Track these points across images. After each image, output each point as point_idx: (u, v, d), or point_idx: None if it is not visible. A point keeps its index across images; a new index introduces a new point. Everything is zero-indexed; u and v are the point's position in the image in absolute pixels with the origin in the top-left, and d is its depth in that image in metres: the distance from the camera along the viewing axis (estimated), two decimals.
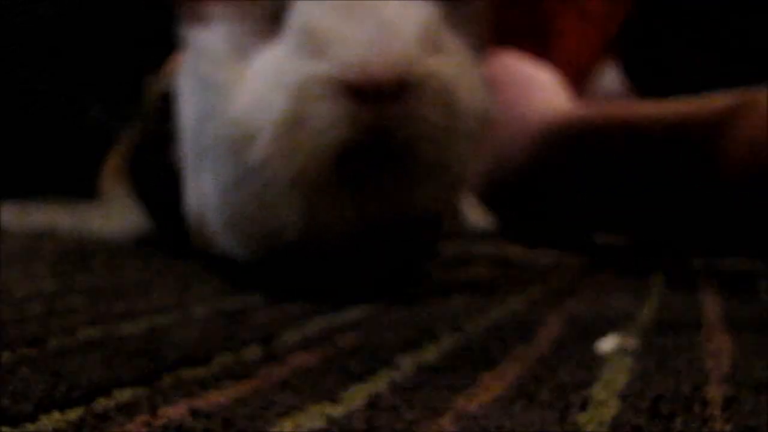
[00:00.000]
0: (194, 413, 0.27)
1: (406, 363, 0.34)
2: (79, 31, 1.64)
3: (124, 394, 0.29)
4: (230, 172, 0.48)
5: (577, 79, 0.94)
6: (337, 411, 0.28)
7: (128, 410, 0.27)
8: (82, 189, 0.88)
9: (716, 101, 0.74)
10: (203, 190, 0.53)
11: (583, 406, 0.29)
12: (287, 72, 0.45)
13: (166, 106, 0.61)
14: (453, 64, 0.47)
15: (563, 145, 0.78)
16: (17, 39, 1.63)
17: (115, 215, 1.06)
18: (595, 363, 0.35)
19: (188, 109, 0.56)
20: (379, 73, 0.44)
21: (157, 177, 0.65)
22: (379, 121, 0.44)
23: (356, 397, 0.30)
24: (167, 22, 0.56)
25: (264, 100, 0.46)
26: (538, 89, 0.86)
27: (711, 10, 0.83)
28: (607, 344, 0.38)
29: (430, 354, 0.36)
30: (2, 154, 1.56)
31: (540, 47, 0.87)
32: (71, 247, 0.76)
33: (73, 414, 0.27)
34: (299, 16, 0.46)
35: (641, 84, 0.92)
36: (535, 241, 0.82)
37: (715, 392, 0.31)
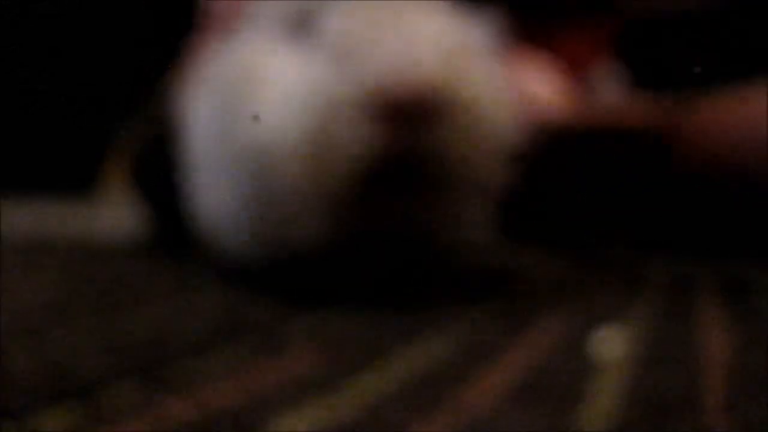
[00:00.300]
0: (197, 407, 0.27)
1: (406, 359, 0.34)
2: (81, 30, 1.64)
3: (126, 389, 0.29)
4: (252, 185, 0.47)
5: (577, 78, 0.94)
6: (336, 411, 0.28)
7: (130, 405, 0.27)
8: (84, 188, 0.89)
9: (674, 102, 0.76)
10: (219, 198, 0.52)
11: (581, 407, 0.29)
12: (317, 88, 0.45)
13: (173, 109, 0.61)
14: (482, 85, 0.47)
15: (554, 145, 0.79)
16: (18, 38, 1.63)
17: (116, 215, 1.06)
18: (594, 364, 0.35)
19: (206, 116, 0.55)
20: (411, 96, 0.43)
21: (161, 178, 0.65)
22: (407, 143, 0.44)
23: (356, 397, 0.30)
24: (170, 22, 0.56)
25: (292, 119, 0.45)
26: (527, 83, 0.86)
27: (711, 10, 0.84)
28: (607, 345, 0.38)
29: (428, 354, 0.36)
30: (7, 153, 1.57)
31: (538, 47, 0.87)
32: (72, 246, 0.76)
33: (75, 408, 0.27)
34: (330, 30, 0.46)
35: (642, 84, 0.92)
36: (533, 242, 0.82)
37: (716, 393, 0.31)
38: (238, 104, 0.48)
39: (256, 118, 0.46)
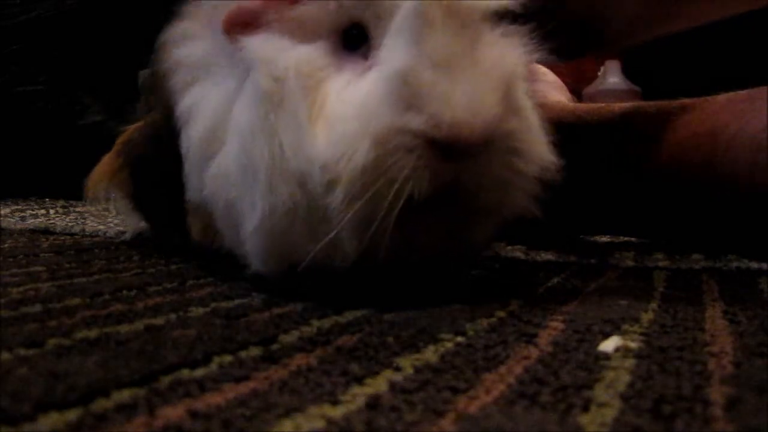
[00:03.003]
0: (193, 414, 0.27)
1: (407, 364, 0.34)
2: (78, 31, 1.64)
3: (123, 395, 0.29)
4: (289, 200, 0.47)
5: (580, 76, 0.95)
6: (336, 412, 0.28)
7: (127, 411, 0.27)
8: (81, 189, 0.88)
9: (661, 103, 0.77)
10: (242, 202, 0.51)
11: (585, 407, 0.29)
12: (375, 119, 0.45)
13: (172, 105, 0.60)
14: (527, 125, 0.48)
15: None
16: (15, 39, 1.62)
17: (113, 215, 1.06)
18: (596, 364, 0.35)
19: (212, 103, 0.54)
20: (469, 134, 0.44)
21: (156, 176, 0.65)
22: (456, 177, 0.45)
23: (356, 398, 0.29)
24: (166, 22, 0.55)
25: (348, 144, 0.45)
26: (541, 84, 0.87)
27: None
28: (608, 345, 0.38)
29: (431, 355, 0.36)
30: (1, 155, 1.56)
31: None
32: (69, 248, 0.76)
33: (72, 414, 0.26)
34: (391, 59, 0.45)
35: (643, 84, 0.92)
36: (536, 242, 0.82)
37: (717, 393, 0.31)
38: (286, 111, 0.47)
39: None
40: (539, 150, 0.49)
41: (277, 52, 0.49)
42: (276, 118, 0.48)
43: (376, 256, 0.46)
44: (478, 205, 0.48)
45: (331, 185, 0.45)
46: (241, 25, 0.50)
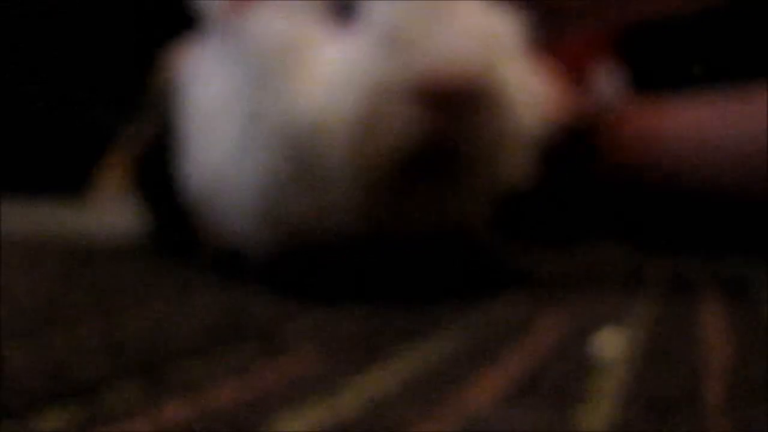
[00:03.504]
0: (195, 409, 0.27)
1: (407, 359, 0.34)
2: (79, 29, 1.64)
3: (126, 391, 0.29)
4: (284, 166, 0.47)
5: (577, 78, 0.95)
6: (336, 408, 0.28)
7: (130, 406, 0.27)
8: (83, 187, 0.89)
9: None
10: (239, 178, 0.51)
11: (581, 405, 0.29)
12: (364, 71, 0.45)
13: (173, 102, 0.61)
14: (515, 79, 0.48)
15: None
16: (16, 36, 1.63)
17: (115, 214, 1.06)
18: (593, 363, 0.35)
19: (229, 89, 0.54)
20: (458, 82, 0.44)
21: (161, 176, 0.65)
22: (449, 130, 0.45)
23: (357, 392, 0.30)
24: (170, 19, 0.55)
25: (337, 98, 0.45)
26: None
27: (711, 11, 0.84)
28: (605, 342, 0.38)
29: (429, 353, 0.36)
30: (6, 153, 1.56)
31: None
32: (71, 246, 0.76)
33: (75, 410, 0.27)
34: (380, 13, 0.46)
35: (642, 84, 0.92)
36: (533, 240, 0.82)
37: (715, 392, 0.31)
38: (276, 79, 0.47)
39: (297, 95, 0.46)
40: (526, 115, 0.48)
41: (264, 24, 0.49)
42: (265, 87, 0.48)
43: (375, 226, 0.47)
44: (475, 169, 0.47)
45: (321, 143, 0.45)
46: (235, 7, 0.51)
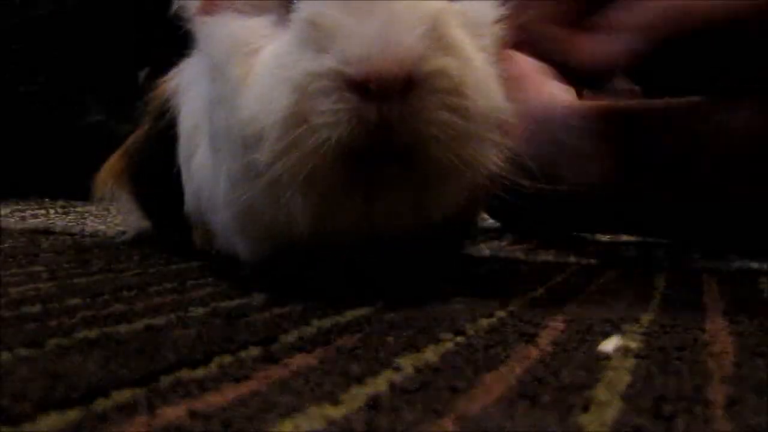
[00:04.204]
0: (193, 414, 0.27)
1: (407, 364, 0.34)
2: (77, 31, 1.64)
3: (123, 395, 0.29)
4: (239, 168, 0.47)
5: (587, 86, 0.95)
6: (337, 412, 0.28)
7: (127, 411, 0.27)
8: (81, 189, 0.88)
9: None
10: (210, 186, 0.52)
11: (585, 408, 0.29)
12: (290, 66, 0.44)
13: (169, 107, 0.61)
14: (464, 63, 0.45)
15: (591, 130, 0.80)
16: (15, 39, 1.62)
17: (113, 215, 1.06)
18: (596, 364, 0.35)
19: (195, 103, 0.55)
20: (384, 69, 0.42)
21: (158, 176, 0.65)
22: (384, 119, 0.43)
23: (356, 398, 0.29)
24: (165, 23, 0.55)
25: (268, 96, 0.44)
26: (545, 84, 0.87)
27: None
28: (609, 345, 0.38)
29: (431, 355, 0.36)
30: (1, 155, 1.56)
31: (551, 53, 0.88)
32: (69, 248, 0.76)
33: (72, 414, 0.26)
34: (304, 8, 0.45)
35: (647, 85, 0.93)
36: (539, 241, 0.82)
37: (717, 393, 0.31)
38: (226, 82, 0.47)
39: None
40: (484, 90, 0.46)
41: (223, 26, 0.49)
42: (221, 88, 0.48)
43: (338, 226, 0.46)
44: (425, 162, 0.45)
45: (258, 141, 0.44)
46: (205, 11, 0.51)
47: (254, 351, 0.36)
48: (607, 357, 0.36)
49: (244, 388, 0.30)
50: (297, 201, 0.45)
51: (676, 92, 0.79)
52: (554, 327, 0.42)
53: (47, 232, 0.92)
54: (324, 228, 0.47)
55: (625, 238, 0.91)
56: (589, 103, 0.85)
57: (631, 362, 0.35)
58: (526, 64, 0.89)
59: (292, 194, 0.45)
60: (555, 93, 0.86)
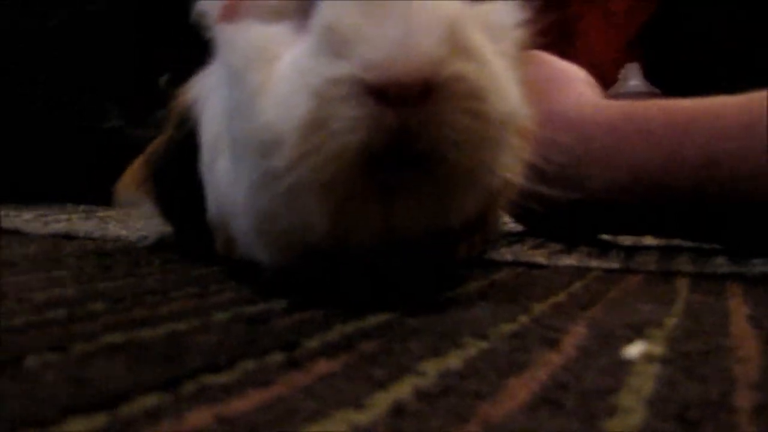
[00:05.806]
0: (219, 420, 0.27)
1: (430, 369, 0.34)
2: (97, 37, 1.65)
3: (149, 400, 0.29)
4: (257, 175, 0.47)
5: (600, 79, 0.94)
6: (361, 418, 0.28)
7: (153, 416, 0.27)
8: (102, 195, 0.89)
9: None
10: (231, 193, 0.52)
11: (610, 413, 0.29)
12: (309, 72, 0.44)
13: (191, 115, 0.61)
14: (483, 67, 0.45)
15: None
16: (35, 45, 1.64)
17: (134, 220, 1.06)
18: (621, 369, 0.35)
19: (216, 111, 0.55)
20: (403, 75, 0.42)
21: (180, 183, 0.65)
22: (403, 125, 0.43)
23: (380, 403, 0.29)
24: (185, 29, 0.55)
25: (287, 102, 0.44)
26: (574, 84, 0.87)
27: (731, 12, 0.84)
28: (633, 350, 0.38)
29: (454, 360, 0.36)
30: (23, 160, 1.58)
31: (564, 48, 0.88)
32: (92, 252, 0.76)
33: (99, 420, 0.27)
34: (323, 14, 0.45)
35: (663, 84, 0.92)
36: (561, 245, 0.82)
37: (743, 399, 0.30)
38: (244, 82, 0.47)
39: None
40: (503, 94, 0.46)
41: (242, 33, 0.49)
42: (240, 95, 0.48)
43: (357, 232, 0.46)
44: (445, 167, 0.45)
45: (277, 147, 0.44)
46: (225, 18, 0.51)
47: (277, 356, 0.36)
48: (630, 362, 0.36)
49: (268, 394, 0.30)
50: (316, 207, 0.45)
51: (697, 92, 0.79)
52: (577, 332, 0.42)
53: (69, 237, 0.92)
54: (343, 233, 0.47)
55: (647, 241, 0.91)
56: (618, 102, 0.85)
57: (655, 368, 0.35)
58: (554, 64, 0.89)
59: (311, 200, 0.45)
60: (584, 92, 0.86)
